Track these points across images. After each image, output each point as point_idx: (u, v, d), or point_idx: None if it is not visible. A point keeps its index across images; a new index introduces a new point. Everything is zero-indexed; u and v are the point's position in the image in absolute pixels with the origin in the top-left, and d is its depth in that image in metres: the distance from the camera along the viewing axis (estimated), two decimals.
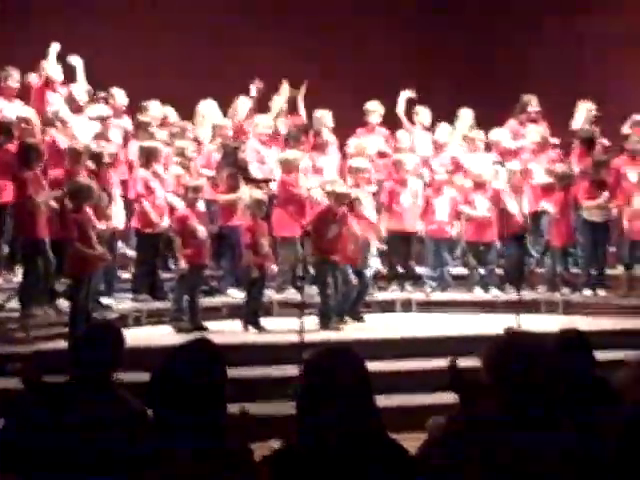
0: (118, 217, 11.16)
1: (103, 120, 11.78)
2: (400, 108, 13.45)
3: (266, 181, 12.16)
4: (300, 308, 9.33)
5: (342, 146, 13.17)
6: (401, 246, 12.62)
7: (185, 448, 2.99)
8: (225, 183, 11.95)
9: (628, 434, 2.66)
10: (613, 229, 12.86)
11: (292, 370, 8.56)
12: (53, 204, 10.21)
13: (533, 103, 13.66)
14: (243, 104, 12.85)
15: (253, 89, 12.76)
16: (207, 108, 12.87)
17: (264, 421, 7.57)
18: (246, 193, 11.50)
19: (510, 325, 3.57)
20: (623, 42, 14.99)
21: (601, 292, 12.33)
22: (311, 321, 10.24)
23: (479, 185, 12.56)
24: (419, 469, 3.29)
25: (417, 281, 12.70)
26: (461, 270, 13.05)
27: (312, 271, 11.21)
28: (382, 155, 13.26)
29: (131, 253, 11.81)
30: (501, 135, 13.43)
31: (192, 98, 13.04)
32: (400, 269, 12.67)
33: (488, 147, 13.44)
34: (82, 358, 4.22)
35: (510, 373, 3.40)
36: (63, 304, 10.19)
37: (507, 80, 15.05)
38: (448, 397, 8.10)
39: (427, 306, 12.36)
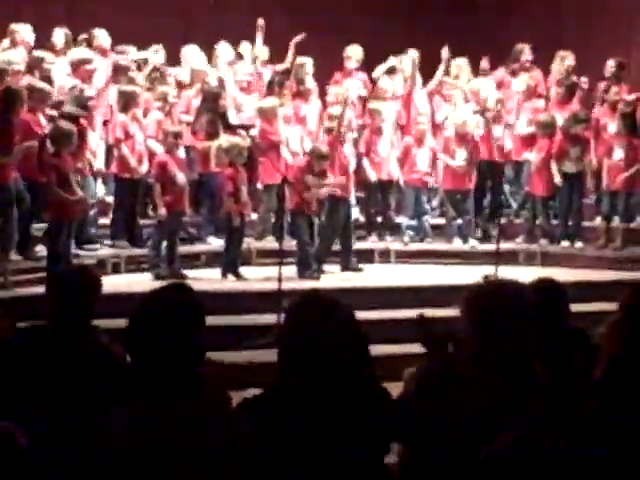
0: (98, 159, 11.10)
1: (84, 63, 11.60)
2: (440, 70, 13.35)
3: (246, 127, 12.09)
4: (279, 257, 9.35)
5: (322, 94, 13.09)
6: (379, 195, 12.62)
7: (163, 393, 3.00)
8: (204, 130, 11.87)
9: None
10: (590, 180, 12.88)
11: (270, 318, 8.59)
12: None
13: (526, 52, 13.62)
14: (224, 50, 12.75)
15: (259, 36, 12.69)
16: (190, 53, 12.76)
17: (241, 369, 7.64)
18: (225, 140, 11.44)
19: (488, 273, 3.62)
20: None
21: (578, 243, 12.38)
22: (290, 270, 10.27)
23: (461, 136, 12.50)
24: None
25: (396, 231, 12.71)
26: (439, 220, 13.07)
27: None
28: (362, 100, 13.20)
29: (110, 199, 11.73)
30: (481, 84, 13.36)
31: (175, 41, 12.94)
32: (379, 219, 12.68)
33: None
34: (59, 303, 4.21)
35: (490, 318, 3.44)
36: (41, 250, 10.13)
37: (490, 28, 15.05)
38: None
39: (405, 257, 12.39)
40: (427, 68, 13.42)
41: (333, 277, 10.94)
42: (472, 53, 13.57)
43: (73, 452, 3.20)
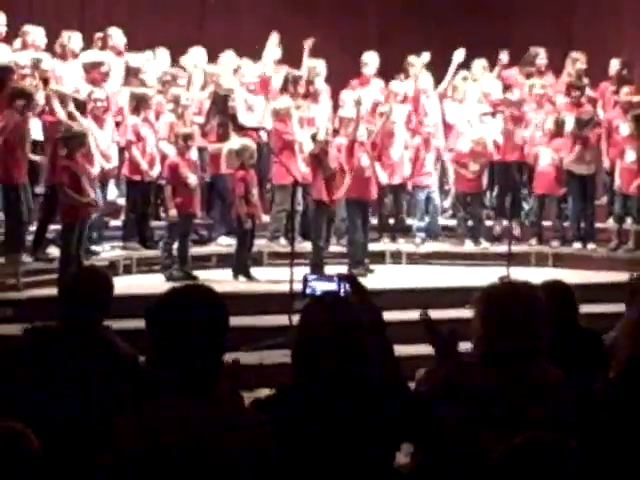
0: (111, 161, 11.13)
1: (97, 66, 11.60)
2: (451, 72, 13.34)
3: (256, 129, 12.09)
4: (291, 258, 9.36)
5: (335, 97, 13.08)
6: (391, 197, 12.62)
7: (177, 393, 3.00)
8: (215, 132, 11.89)
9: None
10: (604, 182, 12.87)
11: (282, 319, 8.59)
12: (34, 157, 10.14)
13: (541, 56, 13.60)
14: (229, 57, 12.74)
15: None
16: (197, 56, 12.76)
17: (253, 370, 7.65)
18: (236, 142, 11.46)
19: (504, 275, 3.63)
20: None
21: (591, 245, 12.34)
22: (302, 271, 10.27)
23: (477, 153, 12.54)
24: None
25: (408, 233, 12.71)
26: (451, 222, 13.07)
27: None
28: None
29: (122, 201, 11.75)
30: (492, 87, 13.35)
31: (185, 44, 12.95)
32: (391, 220, 12.67)
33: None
34: (71, 303, 4.22)
35: (505, 318, 3.44)
36: (53, 251, 10.16)
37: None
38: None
39: (417, 258, 12.38)
40: (442, 71, 13.40)
41: None
42: (486, 55, 13.58)
43: (86, 452, 3.20)
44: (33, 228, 10.28)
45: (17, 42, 11.66)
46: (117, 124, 11.53)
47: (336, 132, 11.72)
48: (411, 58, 13.36)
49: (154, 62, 12.41)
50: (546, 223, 12.67)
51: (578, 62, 13.30)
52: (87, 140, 9.91)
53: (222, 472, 2.92)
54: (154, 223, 11.65)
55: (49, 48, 11.65)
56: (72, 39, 11.86)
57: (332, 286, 3.66)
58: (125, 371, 3.98)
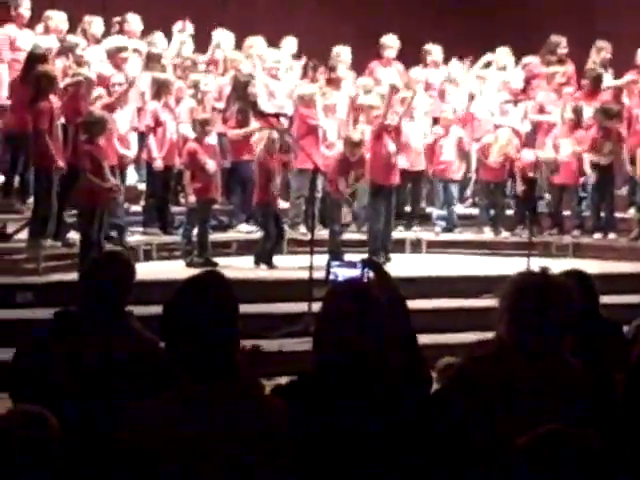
0: (130, 147, 11.14)
1: (120, 51, 11.63)
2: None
3: (277, 116, 12.06)
4: (311, 245, 9.36)
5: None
6: (409, 185, 12.59)
7: (196, 379, 3.01)
8: (235, 118, 11.87)
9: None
10: (624, 172, 12.80)
11: (301, 307, 8.60)
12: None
13: (562, 45, 13.54)
14: (257, 43, 12.74)
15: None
16: (222, 38, 12.77)
17: (273, 358, 7.65)
18: (256, 129, 11.46)
19: (544, 266, 3.59)
20: None
21: (611, 235, 12.29)
22: (322, 259, 10.27)
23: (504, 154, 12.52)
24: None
25: (425, 221, 12.68)
26: (471, 210, 13.04)
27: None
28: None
29: (142, 186, 11.77)
30: (513, 76, 13.31)
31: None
32: (408, 208, 12.64)
33: None
34: (92, 288, 4.22)
35: (538, 312, 3.41)
36: (74, 236, 10.19)
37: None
38: (457, 337, 8.20)
39: (437, 247, 12.36)
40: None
41: None
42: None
43: (105, 438, 3.21)
44: None
45: (39, 27, 11.69)
46: (138, 110, 11.55)
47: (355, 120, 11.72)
48: (428, 46, 13.36)
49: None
50: (566, 213, 12.62)
51: (603, 51, 13.23)
52: (108, 126, 9.92)
53: (240, 459, 2.93)
54: (174, 209, 11.65)
55: (70, 33, 11.66)
56: (93, 24, 11.90)
57: (355, 272, 3.63)
58: (145, 357, 3.98)
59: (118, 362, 3.98)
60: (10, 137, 10.55)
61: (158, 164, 11.15)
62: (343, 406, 3.12)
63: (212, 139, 11.12)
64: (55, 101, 10.08)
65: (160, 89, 11.31)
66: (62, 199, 10.20)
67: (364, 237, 11.57)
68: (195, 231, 10.71)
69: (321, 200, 11.62)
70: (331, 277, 4.14)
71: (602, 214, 12.36)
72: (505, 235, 12.43)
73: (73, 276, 9.01)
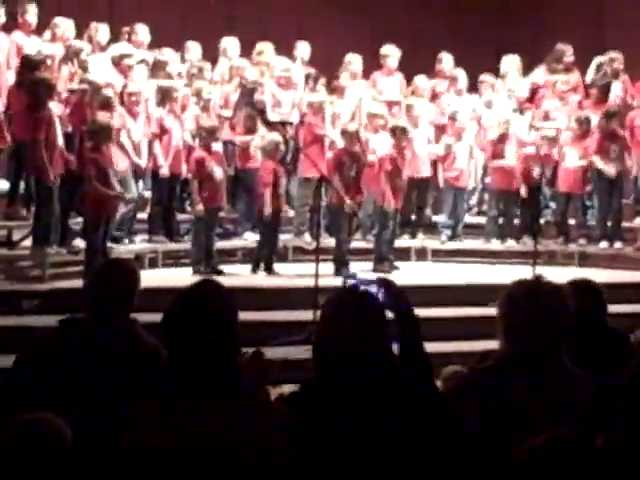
0: (142, 155, 11.14)
1: (125, 57, 11.65)
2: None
3: (283, 124, 12.08)
4: (316, 253, 9.35)
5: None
6: (414, 193, 12.56)
7: (198, 387, 3.00)
8: (242, 125, 11.87)
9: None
10: (629, 180, 12.79)
11: (306, 315, 8.59)
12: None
13: (568, 53, 13.56)
14: (265, 49, 12.76)
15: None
16: (229, 45, 12.79)
17: (278, 366, 7.63)
18: (264, 135, 11.46)
19: (539, 273, 3.60)
20: None
21: (618, 244, 12.27)
22: (327, 267, 10.28)
23: (503, 135, 12.47)
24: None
25: (430, 229, 12.67)
26: (477, 219, 13.02)
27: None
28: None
29: (148, 194, 11.77)
30: (517, 84, 13.31)
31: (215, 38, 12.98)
32: (413, 216, 12.63)
33: None
34: (97, 295, 4.22)
35: (527, 319, 3.41)
36: (79, 243, 10.19)
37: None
38: (462, 345, 8.19)
39: (442, 255, 12.34)
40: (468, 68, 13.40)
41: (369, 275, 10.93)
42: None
43: (109, 445, 3.21)
44: None
45: (47, 34, 11.71)
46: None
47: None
48: (441, 55, 13.40)
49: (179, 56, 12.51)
50: (571, 222, 12.60)
51: (616, 62, 13.22)
52: (113, 133, 9.91)
53: (241, 465, 2.92)
54: (180, 216, 11.65)
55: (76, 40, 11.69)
56: (99, 31, 11.93)
57: (372, 289, 3.54)
58: (150, 363, 3.98)
59: (123, 369, 3.97)
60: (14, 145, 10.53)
61: (164, 171, 11.15)
62: (344, 416, 3.11)
63: (217, 146, 11.12)
64: (56, 108, 10.10)
65: (165, 96, 11.32)
66: (68, 206, 10.21)
67: (370, 245, 11.58)
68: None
69: (327, 208, 11.61)
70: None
71: (609, 223, 12.34)
72: (510, 243, 12.41)
73: (78, 283, 9.03)
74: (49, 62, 10.71)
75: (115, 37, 12.20)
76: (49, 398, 3.84)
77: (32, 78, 9.99)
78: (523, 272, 8.99)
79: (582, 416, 3.32)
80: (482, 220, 12.85)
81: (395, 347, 3.34)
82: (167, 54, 12.37)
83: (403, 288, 3.51)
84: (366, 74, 13.12)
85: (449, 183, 12.57)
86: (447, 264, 12.05)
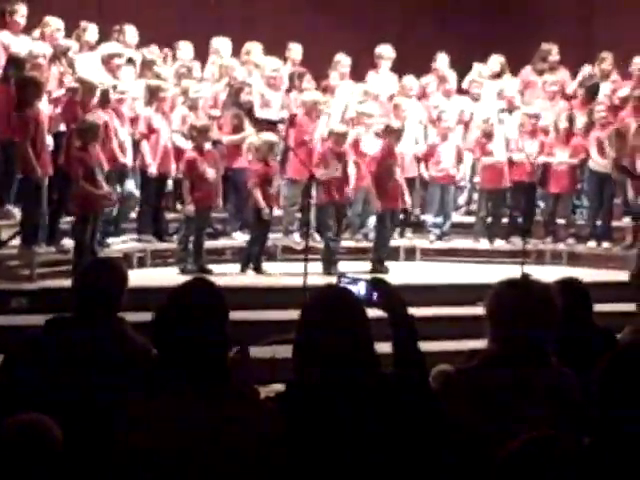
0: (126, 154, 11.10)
1: (115, 57, 11.61)
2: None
3: (273, 123, 12.06)
4: (305, 252, 9.36)
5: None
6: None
7: (188, 385, 3.00)
8: (229, 124, 11.83)
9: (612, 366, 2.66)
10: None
11: (294, 314, 8.57)
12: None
13: (553, 52, 13.59)
14: (255, 49, 12.76)
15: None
16: (220, 45, 12.78)
17: (266, 365, 7.63)
18: (252, 134, 11.44)
19: (526, 273, 3.61)
20: None
21: (606, 244, 12.30)
22: (316, 267, 10.28)
23: (488, 133, 12.48)
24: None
25: (418, 228, 12.68)
26: (466, 218, 13.04)
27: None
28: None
29: (137, 193, 11.73)
30: (506, 84, 13.33)
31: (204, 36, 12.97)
32: (401, 215, 12.64)
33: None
34: (85, 294, 4.22)
35: (514, 314, 3.42)
36: (67, 242, 10.17)
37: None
38: (451, 345, 8.20)
39: (431, 255, 12.36)
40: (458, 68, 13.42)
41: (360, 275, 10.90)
42: (504, 52, 13.63)
43: (97, 445, 3.21)
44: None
45: (36, 32, 11.66)
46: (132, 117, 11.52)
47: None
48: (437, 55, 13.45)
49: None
50: (560, 221, 12.62)
51: (605, 62, 13.27)
52: (100, 132, 9.88)
53: (232, 463, 2.92)
54: (169, 215, 11.63)
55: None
56: (88, 31, 11.89)
57: (361, 290, 3.50)
58: (138, 362, 3.98)
59: (110, 368, 3.97)
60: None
61: (151, 171, 11.11)
62: (327, 416, 3.10)
63: (207, 145, 11.08)
64: (45, 108, 10.07)
65: (152, 96, 11.28)
66: (57, 206, 10.19)
67: (360, 245, 11.59)
68: (191, 238, 10.68)
69: (317, 208, 11.61)
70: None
71: (598, 222, 12.37)
72: (499, 243, 12.43)
73: (67, 282, 8.94)
74: (40, 61, 10.68)
75: (105, 36, 12.15)
76: (36, 399, 3.83)
77: (21, 77, 9.97)
78: (512, 271, 9.04)
79: (570, 416, 3.32)
80: (471, 219, 12.87)
81: (387, 346, 3.35)
82: (155, 52, 12.36)
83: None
84: (353, 73, 13.12)
85: (435, 180, 12.55)
86: (436, 263, 12.07)
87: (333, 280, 3.73)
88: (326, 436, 3.07)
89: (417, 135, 12.65)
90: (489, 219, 12.56)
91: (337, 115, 12.46)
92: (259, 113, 12.18)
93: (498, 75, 13.54)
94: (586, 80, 13.26)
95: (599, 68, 13.38)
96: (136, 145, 11.37)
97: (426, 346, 3.44)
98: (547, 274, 9.67)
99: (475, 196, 13.07)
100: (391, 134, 11.20)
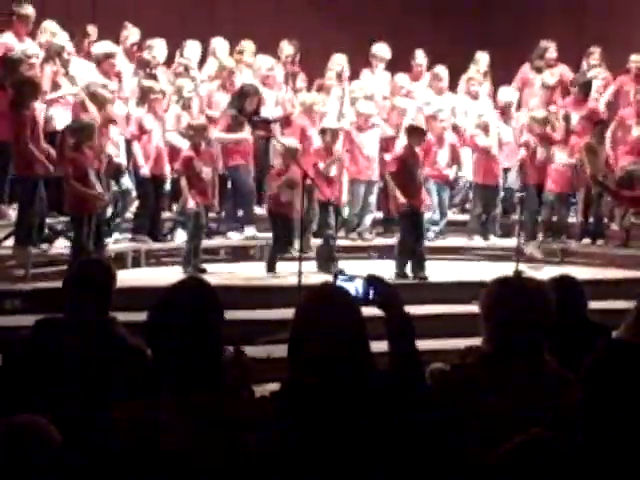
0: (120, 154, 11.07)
1: (109, 57, 11.57)
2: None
3: (268, 122, 12.00)
4: (300, 251, 9.36)
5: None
6: None
7: (182, 385, 3.00)
8: (227, 122, 11.60)
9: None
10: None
11: (289, 313, 8.57)
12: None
13: (551, 49, 13.60)
14: (247, 48, 12.73)
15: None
16: (218, 45, 12.75)
17: (261, 364, 7.63)
18: (280, 140, 11.27)
19: (520, 269, 3.59)
20: None
21: (600, 241, 12.32)
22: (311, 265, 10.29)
23: (484, 127, 12.50)
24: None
25: None
26: (461, 217, 13.04)
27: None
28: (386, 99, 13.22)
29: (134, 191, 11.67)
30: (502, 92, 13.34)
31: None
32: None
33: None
34: (73, 295, 4.23)
35: (508, 311, 3.41)
36: (62, 243, 10.15)
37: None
38: (446, 343, 8.21)
39: (425, 252, 12.32)
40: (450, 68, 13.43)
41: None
42: (496, 51, 13.68)
43: (90, 445, 3.20)
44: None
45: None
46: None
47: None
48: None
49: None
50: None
51: (591, 56, 13.32)
52: (96, 133, 9.83)
53: (225, 463, 2.92)
54: (163, 215, 11.58)
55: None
56: (91, 37, 11.89)
57: (359, 288, 3.47)
58: (130, 362, 3.98)
59: (102, 368, 3.97)
60: None
61: (144, 172, 11.06)
62: (321, 415, 3.09)
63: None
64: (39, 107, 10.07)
65: (144, 96, 11.21)
66: (51, 207, 10.17)
67: (355, 243, 11.60)
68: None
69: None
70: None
71: (591, 219, 12.39)
72: (493, 241, 12.44)
73: (61, 283, 8.97)
74: (33, 61, 10.67)
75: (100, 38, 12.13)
76: (28, 400, 3.83)
77: (17, 77, 9.96)
78: (506, 269, 9.05)
79: (565, 416, 3.31)
80: (466, 217, 12.87)
81: (384, 344, 3.34)
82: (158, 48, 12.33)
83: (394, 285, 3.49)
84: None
85: (431, 177, 12.50)
86: (431, 261, 12.03)
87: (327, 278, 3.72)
88: (321, 435, 3.07)
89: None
90: (483, 216, 12.56)
91: (332, 114, 12.43)
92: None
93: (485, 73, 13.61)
94: (579, 77, 13.26)
95: (587, 62, 13.42)
96: (129, 145, 11.33)
97: (422, 344, 3.43)
98: (542, 272, 9.72)
99: (470, 195, 13.07)
100: (412, 134, 10.90)
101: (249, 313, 9.03)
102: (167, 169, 11.23)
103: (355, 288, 3.37)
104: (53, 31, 11.46)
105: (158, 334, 3.09)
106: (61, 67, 11.01)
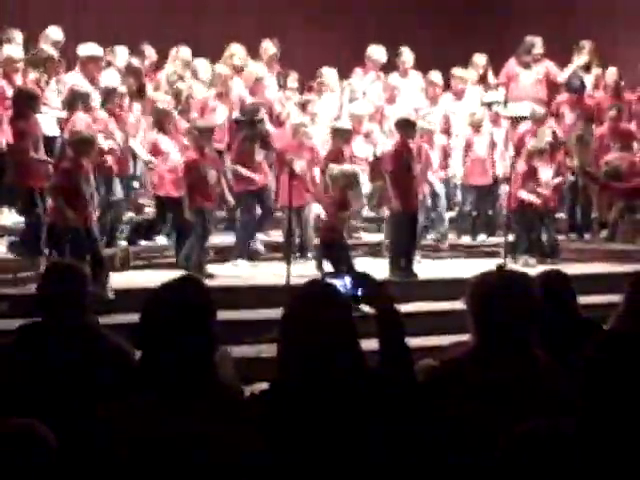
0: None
1: (93, 60, 11.48)
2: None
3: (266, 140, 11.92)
4: (288, 251, 9.37)
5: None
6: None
7: (172, 385, 3.01)
8: (239, 148, 11.15)
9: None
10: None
11: (278, 313, 8.56)
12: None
13: (537, 45, 13.64)
14: (236, 52, 12.71)
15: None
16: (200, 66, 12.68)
17: (250, 363, 7.64)
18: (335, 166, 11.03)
19: (501, 263, 3.59)
20: None
21: (587, 236, 12.37)
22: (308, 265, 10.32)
23: (476, 128, 12.51)
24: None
25: None
26: (449, 214, 13.06)
27: None
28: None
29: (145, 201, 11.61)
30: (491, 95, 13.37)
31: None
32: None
33: None
34: (44, 297, 4.25)
35: (492, 305, 3.42)
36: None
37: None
38: (435, 340, 8.21)
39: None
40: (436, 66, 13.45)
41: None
42: (487, 51, 13.83)
43: (79, 447, 3.20)
44: None
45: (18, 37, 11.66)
46: None
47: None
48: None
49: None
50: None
51: (582, 51, 13.41)
52: (93, 149, 9.55)
53: (213, 463, 2.93)
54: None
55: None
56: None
57: (345, 285, 3.46)
58: (114, 363, 3.99)
59: (85, 369, 3.98)
60: None
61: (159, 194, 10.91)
62: (311, 415, 3.09)
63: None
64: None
65: (160, 120, 10.99)
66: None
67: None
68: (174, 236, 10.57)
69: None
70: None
71: (578, 215, 12.45)
72: (482, 238, 12.46)
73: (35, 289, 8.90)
74: (18, 66, 10.67)
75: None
76: (14, 403, 3.84)
77: (17, 88, 9.95)
78: (494, 265, 9.06)
79: (556, 408, 3.33)
80: (453, 214, 12.91)
81: (374, 342, 3.35)
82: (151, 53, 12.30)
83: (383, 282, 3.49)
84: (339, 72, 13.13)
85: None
86: (420, 259, 12.06)
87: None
88: (311, 434, 3.07)
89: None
90: (474, 213, 12.58)
91: (332, 115, 12.45)
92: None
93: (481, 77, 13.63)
94: (572, 79, 13.30)
95: (577, 57, 13.48)
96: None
97: (411, 342, 3.44)
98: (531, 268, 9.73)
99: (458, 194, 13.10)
100: (404, 127, 10.63)
101: (238, 313, 9.02)
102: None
103: (344, 285, 3.37)
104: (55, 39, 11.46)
105: (150, 333, 3.10)
106: (43, 74, 10.92)
